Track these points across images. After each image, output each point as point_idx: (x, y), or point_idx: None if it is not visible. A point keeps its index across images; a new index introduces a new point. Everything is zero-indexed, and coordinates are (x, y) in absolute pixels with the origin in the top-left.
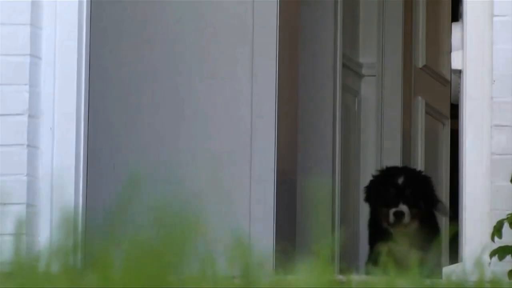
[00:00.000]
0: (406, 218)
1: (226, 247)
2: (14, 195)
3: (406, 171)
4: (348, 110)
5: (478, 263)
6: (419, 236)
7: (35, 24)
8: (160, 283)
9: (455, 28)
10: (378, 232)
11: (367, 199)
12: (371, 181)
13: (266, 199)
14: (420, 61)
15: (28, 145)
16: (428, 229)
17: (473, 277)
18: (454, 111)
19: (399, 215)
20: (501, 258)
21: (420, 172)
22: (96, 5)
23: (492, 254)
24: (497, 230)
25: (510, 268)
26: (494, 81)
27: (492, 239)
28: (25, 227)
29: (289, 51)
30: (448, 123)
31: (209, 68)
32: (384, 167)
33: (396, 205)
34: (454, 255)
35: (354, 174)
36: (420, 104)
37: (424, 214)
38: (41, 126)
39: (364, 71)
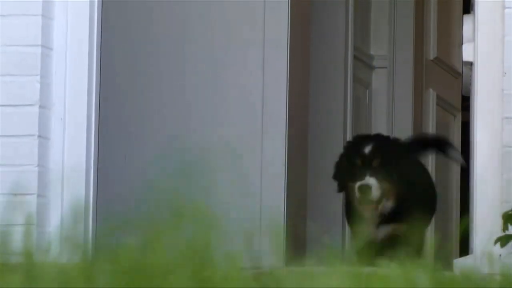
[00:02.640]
0: (374, 193)
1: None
2: (25, 186)
3: (376, 139)
4: (359, 102)
5: (489, 256)
6: (397, 216)
7: (46, 15)
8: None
9: (467, 20)
10: (352, 213)
11: (335, 176)
12: (340, 155)
13: (276, 192)
14: (432, 53)
15: (39, 136)
16: (409, 207)
17: (484, 269)
18: (465, 103)
19: (364, 190)
20: (502, 245)
21: (392, 138)
22: None
23: (495, 242)
24: (505, 222)
25: None
26: (505, 73)
27: (503, 230)
28: (35, 218)
29: (300, 43)
30: (459, 115)
31: (220, 61)
32: (353, 137)
33: (362, 178)
34: (465, 247)
35: None
36: (431, 96)
37: (400, 189)
38: (52, 116)
39: (375, 63)
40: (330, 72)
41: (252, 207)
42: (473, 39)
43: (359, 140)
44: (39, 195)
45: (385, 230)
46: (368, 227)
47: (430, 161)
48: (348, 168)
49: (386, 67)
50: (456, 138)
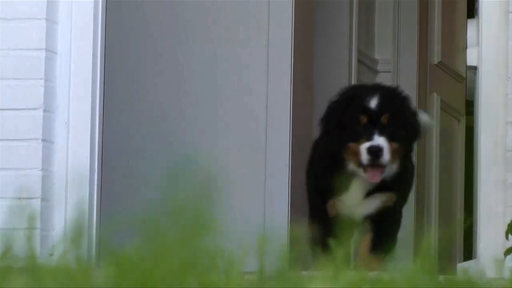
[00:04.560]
0: (386, 156)
1: (241, 243)
2: (29, 190)
3: (381, 90)
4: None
5: (495, 261)
6: (388, 186)
7: (51, 19)
8: (174, 280)
9: (471, 24)
10: (335, 182)
11: (326, 133)
12: (331, 108)
13: (280, 194)
14: (436, 58)
15: (43, 140)
16: (405, 175)
17: (487, 274)
18: (469, 107)
19: (375, 152)
20: None
21: (398, 90)
22: (111, 0)
23: (506, 253)
24: (511, 229)
25: None
26: (509, 77)
27: (506, 237)
28: (39, 221)
29: (304, 47)
30: (463, 119)
31: (224, 63)
32: (347, 87)
33: (370, 138)
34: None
35: None
36: (435, 100)
37: (407, 153)
38: (56, 120)
39: (379, 67)
40: (334, 76)
41: (255, 210)
42: (477, 44)
43: (357, 91)
44: (43, 199)
45: (373, 203)
46: (356, 197)
47: (434, 164)
48: (346, 125)
49: (390, 71)
50: (460, 143)
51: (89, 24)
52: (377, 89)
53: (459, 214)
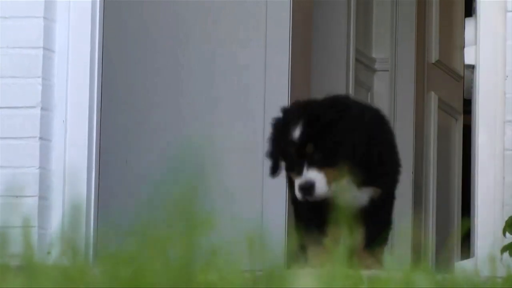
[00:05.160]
0: (319, 190)
1: (238, 240)
2: (26, 188)
3: (305, 113)
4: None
5: (491, 259)
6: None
7: (48, 17)
8: (169, 279)
9: (469, 23)
10: (300, 211)
11: (269, 156)
12: (270, 133)
13: (278, 193)
14: (433, 56)
15: (41, 138)
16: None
17: (485, 272)
18: (467, 106)
19: (307, 190)
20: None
21: (325, 106)
22: None
23: (503, 250)
24: (509, 225)
25: None
26: (507, 76)
27: (504, 234)
28: (36, 219)
29: (302, 46)
30: (460, 118)
31: (222, 63)
32: (285, 106)
33: (300, 173)
34: (466, 249)
35: None
36: (432, 99)
37: (352, 166)
38: (53, 119)
39: (377, 66)
40: (331, 75)
41: (253, 209)
42: (475, 42)
43: (289, 116)
44: (40, 197)
45: (365, 195)
46: (345, 193)
47: (431, 163)
48: (283, 153)
49: (387, 70)
50: (457, 142)
51: (86, 22)
52: (302, 113)
53: (457, 213)
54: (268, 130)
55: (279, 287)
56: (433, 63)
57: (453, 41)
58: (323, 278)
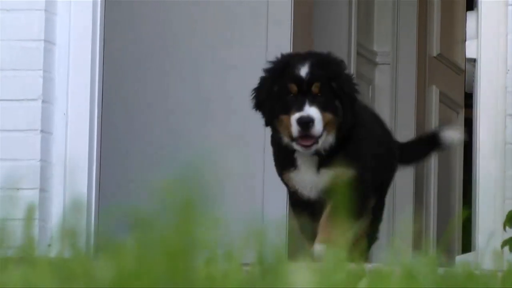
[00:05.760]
0: (317, 127)
1: (241, 234)
2: (27, 180)
3: (312, 57)
4: (362, 98)
5: (494, 253)
6: (340, 159)
7: (49, 10)
8: (172, 272)
9: (470, 17)
10: (282, 158)
11: (258, 105)
12: (261, 79)
13: (279, 189)
14: (435, 50)
15: (42, 131)
16: (349, 149)
17: (486, 266)
18: (468, 100)
19: (306, 123)
20: None
21: (332, 56)
22: None
23: (503, 245)
24: (509, 220)
25: None
26: (508, 70)
27: (504, 229)
28: (37, 212)
29: (303, 40)
30: (462, 112)
31: (223, 60)
32: (280, 56)
33: (300, 108)
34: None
35: None
36: (434, 93)
37: (342, 124)
38: (54, 111)
39: (378, 59)
40: None
41: (254, 204)
42: (476, 36)
43: (290, 59)
44: (41, 190)
45: (327, 175)
46: (306, 173)
47: (432, 156)
48: (278, 95)
49: (389, 64)
50: None
51: (88, 15)
52: (308, 56)
53: (458, 207)
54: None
55: (279, 282)
56: (434, 57)
57: (454, 34)
58: (324, 272)
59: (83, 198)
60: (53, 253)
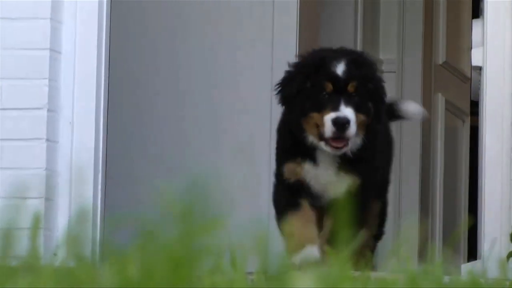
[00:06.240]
0: (352, 129)
1: (246, 242)
2: (32, 189)
3: (348, 55)
4: None
5: (499, 262)
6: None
7: (55, 19)
8: (176, 281)
9: (476, 24)
10: (296, 149)
11: (285, 100)
12: (290, 73)
13: None
14: (440, 58)
15: (47, 139)
16: (373, 152)
17: (492, 275)
18: (474, 108)
19: (342, 124)
20: None
21: (368, 56)
22: (116, 0)
23: (509, 256)
24: None
25: None
26: None
27: (511, 241)
28: (43, 221)
29: (309, 47)
30: (468, 120)
31: (229, 66)
32: (309, 51)
33: (336, 108)
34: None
35: None
36: (439, 100)
37: (371, 126)
38: (60, 120)
39: (384, 67)
40: None
41: (260, 210)
42: (482, 44)
43: (325, 55)
44: (47, 199)
45: (346, 177)
46: (326, 170)
47: (438, 164)
48: (310, 92)
49: (394, 72)
50: (464, 143)
51: (93, 24)
52: (344, 54)
53: (463, 215)
54: (274, 129)
55: None
56: (440, 65)
57: (460, 42)
58: (328, 280)
59: (89, 206)
60: (58, 262)
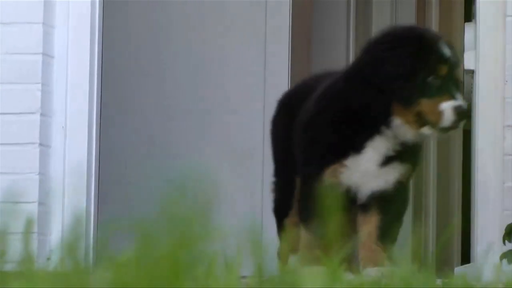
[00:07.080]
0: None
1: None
2: (25, 194)
3: (444, 38)
4: None
5: (492, 265)
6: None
7: (47, 23)
8: (171, 285)
9: (468, 28)
10: (338, 147)
11: (383, 81)
12: (399, 53)
13: None
14: None
15: (40, 144)
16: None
17: (485, 278)
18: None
19: (463, 113)
20: (510, 261)
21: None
22: (108, 5)
23: (502, 257)
24: (508, 234)
25: None
26: (506, 81)
27: (504, 243)
28: (36, 226)
29: (301, 50)
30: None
31: (221, 70)
32: (397, 27)
33: (454, 95)
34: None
35: None
36: None
37: None
38: (53, 125)
39: None
40: None
41: (253, 211)
42: (474, 47)
43: (427, 35)
44: (40, 203)
45: (389, 175)
46: (364, 167)
47: (431, 168)
48: (416, 75)
49: None
50: (457, 147)
51: (86, 28)
52: (437, 34)
53: (457, 218)
54: (267, 133)
55: None
56: None
57: (452, 46)
58: (327, 283)
59: (82, 211)
60: (52, 266)
